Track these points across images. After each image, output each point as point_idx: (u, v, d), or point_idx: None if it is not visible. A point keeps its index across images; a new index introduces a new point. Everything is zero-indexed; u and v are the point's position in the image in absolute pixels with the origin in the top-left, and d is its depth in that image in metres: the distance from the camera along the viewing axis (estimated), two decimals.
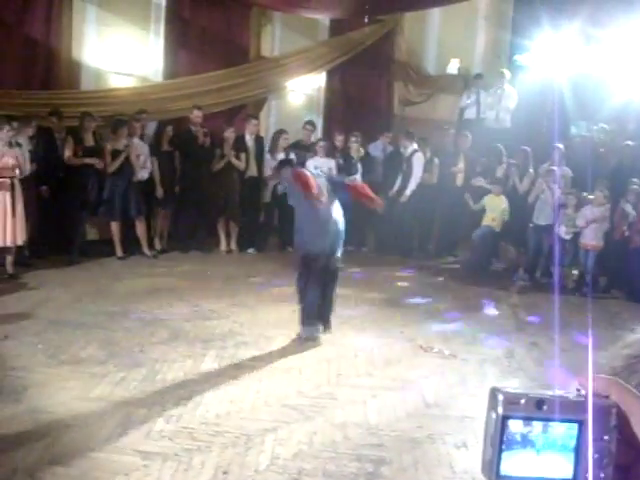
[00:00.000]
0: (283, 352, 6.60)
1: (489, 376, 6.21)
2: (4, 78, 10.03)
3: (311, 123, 12.15)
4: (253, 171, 11.17)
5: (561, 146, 10.45)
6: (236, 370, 6.03)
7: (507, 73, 12.74)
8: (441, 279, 10.09)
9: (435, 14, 13.46)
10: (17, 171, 8.58)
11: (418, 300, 8.83)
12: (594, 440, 0.74)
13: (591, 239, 9.65)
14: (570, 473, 0.75)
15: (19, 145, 8.83)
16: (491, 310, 8.66)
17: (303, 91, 13.12)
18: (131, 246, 10.33)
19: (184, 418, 5.00)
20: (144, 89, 11.39)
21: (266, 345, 6.73)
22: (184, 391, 5.49)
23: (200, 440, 4.67)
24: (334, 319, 7.48)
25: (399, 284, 9.63)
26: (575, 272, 9.85)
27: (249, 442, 4.66)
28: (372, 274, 10.06)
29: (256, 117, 11.71)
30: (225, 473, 4.25)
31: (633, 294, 9.39)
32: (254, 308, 7.70)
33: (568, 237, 9.76)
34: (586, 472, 0.74)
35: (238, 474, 4.25)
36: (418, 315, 8.11)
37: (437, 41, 13.74)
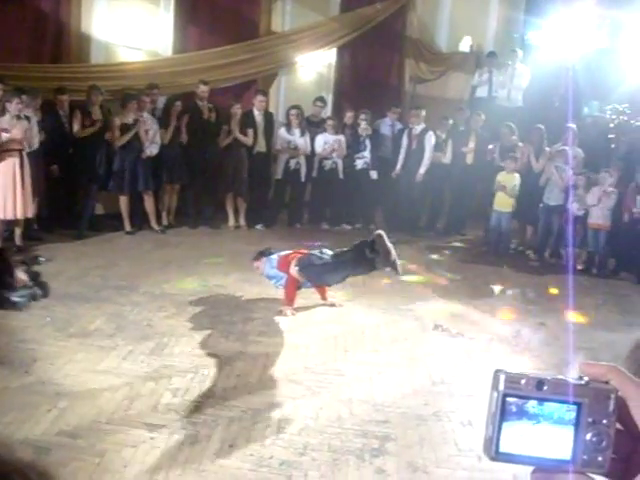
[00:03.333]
0: (290, 328, 6.62)
1: (495, 355, 6.21)
2: (14, 52, 9.99)
3: (322, 99, 12.09)
4: (262, 147, 11.09)
5: (574, 126, 10.36)
6: (243, 345, 6.05)
7: (519, 52, 12.62)
8: (450, 258, 10.06)
9: None
10: (25, 144, 8.58)
11: (426, 278, 8.82)
12: (592, 423, 0.74)
13: (598, 218, 9.60)
14: (568, 454, 0.75)
15: (27, 119, 8.82)
16: (499, 290, 8.66)
17: (313, 67, 13.03)
18: (139, 221, 10.35)
19: (191, 392, 5.03)
20: (153, 63, 11.34)
21: (273, 321, 6.75)
22: (191, 365, 5.51)
23: (207, 414, 4.69)
24: (342, 296, 7.49)
25: (406, 262, 9.59)
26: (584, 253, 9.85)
27: (255, 416, 4.68)
28: None
29: (264, 93, 11.58)
30: (231, 446, 4.27)
31: None
32: (261, 284, 7.68)
33: (580, 213, 9.71)
34: (584, 454, 0.74)
35: (244, 448, 4.27)
36: (426, 293, 8.12)
37: (449, 18, 13.61)
